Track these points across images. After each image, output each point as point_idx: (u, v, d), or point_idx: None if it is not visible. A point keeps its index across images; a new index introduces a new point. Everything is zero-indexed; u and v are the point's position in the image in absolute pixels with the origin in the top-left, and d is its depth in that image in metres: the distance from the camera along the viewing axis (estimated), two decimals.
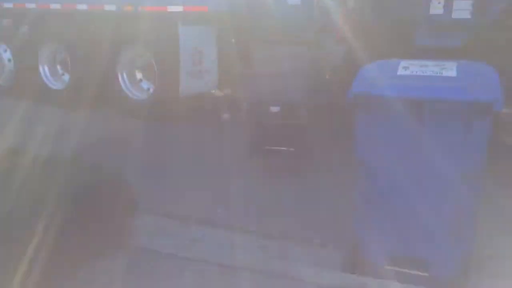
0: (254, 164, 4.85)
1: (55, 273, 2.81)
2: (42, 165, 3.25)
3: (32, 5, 7.28)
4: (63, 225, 2.83)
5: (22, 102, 7.11)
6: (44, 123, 5.94)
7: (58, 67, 7.52)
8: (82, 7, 6.82)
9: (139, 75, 6.75)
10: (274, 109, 4.63)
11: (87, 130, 5.79)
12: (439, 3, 5.13)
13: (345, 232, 3.52)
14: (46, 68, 7.50)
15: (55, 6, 7.05)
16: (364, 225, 3.00)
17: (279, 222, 3.85)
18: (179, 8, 6.15)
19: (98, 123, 6.19)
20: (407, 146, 2.73)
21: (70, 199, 2.94)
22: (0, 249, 2.56)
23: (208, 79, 6.63)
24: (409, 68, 2.92)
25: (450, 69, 2.84)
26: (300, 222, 3.85)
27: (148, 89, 6.65)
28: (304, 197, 4.30)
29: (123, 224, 3.30)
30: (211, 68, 6.62)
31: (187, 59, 6.32)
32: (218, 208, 3.91)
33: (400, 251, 2.92)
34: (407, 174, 2.77)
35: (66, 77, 7.35)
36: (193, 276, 2.98)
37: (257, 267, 3.05)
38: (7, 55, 7.81)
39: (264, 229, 3.74)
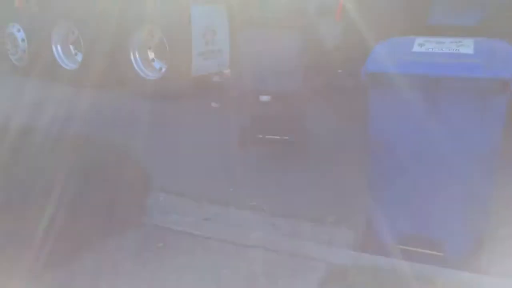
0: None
1: (68, 249, 2.84)
2: (55, 142, 3.27)
3: None
4: (76, 202, 2.85)
5: (35, 82, 7.16)
6: (56, 101, 5.96)
7: (71, 46, 7.51)
8: None
9: (151, 55, 6.71)
10: (264, 98, 4.30)
11: (99, 108, 5.81)
12: None
13: (357, 211, 3.52)
14: (59, 48, 7.50)
15: None
16: (376, 204, 2.97)
17: (290, 201, 3.84)
18: None
19: (110, 102, 6.19)
20: (422, 124, 2.68)
21: (82, 176, 2.95)
22: (13, 225, 2.58)
23: (220, 59, 6.59)
24: (424, 45, 2.85)
25: (467, 46, 2.77)
26: (312, 202, 3.84)
27: (160, 68, 6.62)
28: (314, 176, 4.28)
29: (136, 202, 3.32)
30: (223, 47, 6.56)
31: (199, 38, 6.26)
32: (230, 188, 3.91)
33: (413, 230, 2.90)
34: (422, 152, 2.73)
35: (79, 56, 7.35)
36: (206, 253, 2.99)
37: (269, 246, 3.05)
38: (20, 35, 7.81)
39: (276, 208, 3.74)
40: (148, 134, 4.79)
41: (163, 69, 6.56)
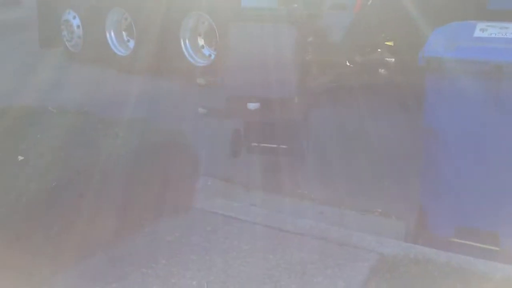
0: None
1: (119, 231, 2.90)
2: (109, 126, 3.33)
3: None
4: (128, 184, 2.90)
5: (90, 67, 7.35)
6: (110, 87, 6.11)
7: (124, 33, 7.65)
8: None
9: (201, 42, 6.74)
10: (252, 106, 3.74)
11: (151, 94, 5.89)
12: None
13: (408, 202, 3.42)
14: (113, 34, 7.66)
15: None
16: (431, 195, 2.87)
17: (338, 190, 3.78)
18: None
19: (161, 88, 6.27)
20: (481, 112, 2.56)
21: (135, 159, 3.00)
22: (70, 204, 2.66)
23: None
24: (487, 30, 2.71)
25: None
26: (360, 191, 3.76)
27: (210, 55, 6.64)
28: (363, 164, 4.19)
29: (186, 186, 3.34)
30: None
31: None
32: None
33: (468, 223, 2.78)
34: (479, 142, 2.61)
35: (131, 43, 7.48)
36: (252, 238, 2.98)
37: (317, 233, 3.01)
38: (76, 21, 8.02)
39: (324, 197, 3.69)
40: (197, 119, 4.82)
41: (213, 56, 6.58)
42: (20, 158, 2.84)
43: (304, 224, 3.13)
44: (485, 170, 2.66)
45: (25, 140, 3.05)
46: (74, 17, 8.02)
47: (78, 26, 7.98)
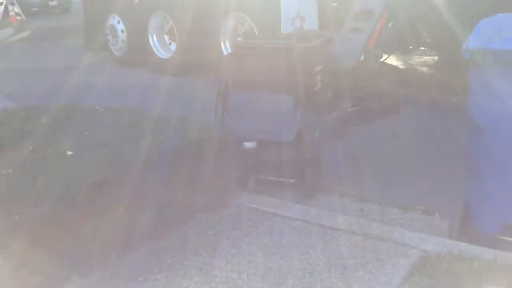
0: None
1: (163, 225, 2.96)
2: (154, 122, 3.41)
3: None
4: (171, 179, 2.95)
5: (134, 69, 7.53)
6: (155, 87, 6.24)
7: (166, 36, 7.80)
8: None
9: None
10: (248, 145, 3.48)
11: (193, 94, 5.99)
12: None
13: (450, 201, 3.34)
14: (155, 38, 7.82)
15: None
16: (476, 191, 2.79)
17: (379, 188, 3.73)
18: None
19: (202, 88, 6.37)
20: None
21: (178, 155, 3.06)
22: (116, 198, 2.73)
23: None
24: None
25: None
26: (403, 189, 3.70)
27: None
28: (405, 162, 4.12)
29: (227, 182, 3.38)
30: None
31: (288, 25, 6.19)
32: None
33: None
34: None
35: (173, 46, 7.62)
36: (293, 234, 2.98)
37: (357, 230, 2.98)
38: (120, 26, 8.24)
39: (365, 194, 3.65)
40: None
41: None
42: (69, 153, 2.94)
43: (344, 220, 3.11)
44: None
45: (74, 136, 3.16)
46: (119, 22, 8.26)
47: (122, 31, 8.23)
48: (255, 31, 6.43)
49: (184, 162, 3.02)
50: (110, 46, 8.48)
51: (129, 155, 2.90)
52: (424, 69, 7.23)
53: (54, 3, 16.29)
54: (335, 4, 6.40)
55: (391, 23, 5.64)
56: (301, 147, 3.41)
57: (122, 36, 8.25)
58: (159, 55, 7.79)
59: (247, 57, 3.38)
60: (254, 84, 3.38)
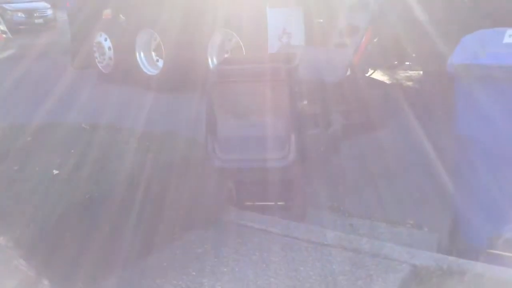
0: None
1: (150, 243, 2.92)
2: (140, 140, 3.38)
3: None
4: (158, 196, 2.92)
5: (120, 86, 7.48)
6: (140, 104, 6.20)
7: (153, 53, 7.78)
8: None
9: None
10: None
11: (180, 110, 5.96)
12: None
13: (438, 214, 3.34)
14: (142, 55, 7.81)
15: None
16: (464, 205, 2.80)
17: (368, 203, 3.73)
18: None
19: (190, 105, 6.35)
20: None
21: (167, 172, 3.03)
22: (102, 217, 2.69)
23: None
24: None
25: None
26: (391, 203, 3.70)
27: None
28: (393, 176, 4.13)
29: (215, 199, 3.35)
30: None
31: (275, 41, 6.19)
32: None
33: (504, 234, 2.69)
34: None
35: (160, 62, 7.60)
36: (283, 250, 2.95)
37: (347, 245, 2.96)
38: (107, 43, 8.23)
39: (353, 209, 3.64)
40: None
41: None
42: (55, 172, 2.90)
43: (334, 235, 3.09)
44: None
45: (59, 155, 3.12)
46: (106, 39, 8.24)
47: (109, 48, 8.20)
48: (243, 47, 6.46)
49: (171, 180, 3.00)
50: (97, 63, 8.45)
51: (115, 173, 2.86)
52: (410, 83, 7.31)
53: (40, 20, 16.23)
54: (321, 20, 6.46)
55: (376, 38, 5.71)
56: (294, 170, 3.31)
57: (109, 53, 8.23)
58: (146, 72, 7.75)
59: (231, 83, 3.23)
60: (242, 111, 3.26)
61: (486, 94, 2.51)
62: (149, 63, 7.80)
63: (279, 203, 3.39)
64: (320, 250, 2.93)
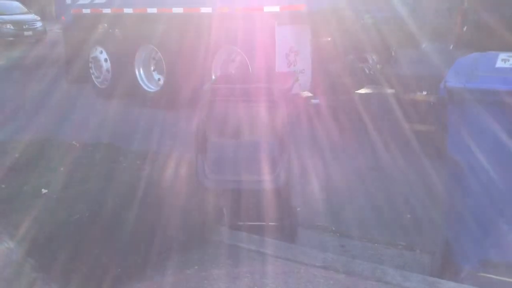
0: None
1: (139, 264, 2.80)
2: (133, 159, 3.28)
3: (129, 10, 7.39)
4: (148, 216, 2.81)
5: (119, 103, 7.21)
6: (139, 122, 6.02)
7: (153, 70, 7.50)
8: (178, 10, 6.78)
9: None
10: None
11: (179, 129, 5.80)
12: None
13: (432, 236, 3.27)
14: (142, 71, 7.55)
15: (151, 10, 7.10)
16: (456, 227, 2.72)
17: (358, 222, 3.65)
18: (276, 8, 5.91)
19: (189, 123, 6.21)
20: (506, 142, 2.44)
21: (155, 190, 2.93)
22: (92, 237, 2.58)
23: (302, 80, 6.21)
24: (509, 60, 2.61)
25: None
26: (383, 225, 3.62)
27: None
28: (384, 197, 4.06)
29: (206, 219, 3.24)
30: (305, 68, 6.24)
31: (283, 59, 6.00)
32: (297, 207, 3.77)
33: (497, 257, 2.62)
34: (506, 172, 2.47)
35: (161, 79, 7.33)
36: (276, 272, 2.83)
37: (340, 268, 2.86)
38: (104, 58, 7.96)
39: (344, 230, 3.56)
40: None
41: None
42: (44, 191, 2.78)
43: (326, 257, 2.98)
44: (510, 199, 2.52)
45: (48, 173, 3.01)
46: (103, 54, 8.01)
47: (106, 63, 7.98)
48: (249, 65, 6.23)
49: (162, 200, 2.89)
50: (93, 78, 8.23)
51: (105, 193, 2.75)
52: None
53: (29, 33, 15.96)
54: (329, 38, 6.34)
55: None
56: (286, 191, 3.20)
57: (106, 68, 8.03)
58: (146, 88, 7.51)
59: (224, 103, 3.12)
60: (234, 130, 3.14)
61: (479, 117, 2.46)
62: (149, 79, 7.54)
63: (270, 223, 3.26)
64: (312, 273, 2.82)
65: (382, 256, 3.21)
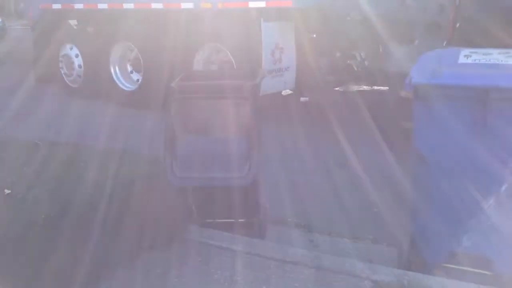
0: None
1: (109, 264, 2.75)
2: (100, 158, 3.21)
3: (104, 6, 7.10)
4: (117, 215, 2.76)
5: (91, 102, 6.92)
6: (111, 121, 5.83)
7: (130, 68, 7.28)
8: (157, 5, 6.54)
9: None
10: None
11: (154, 128, 5.68)
12: None
13: (399, 229, 3.31)
14: (118, 70, 7.30)
15: (128, 5, 6.82)
16: (421, 220, 2.77)
17: (328, 218, 3.67)
18: (262, 4, 5.78)
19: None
20: (470, 137, 2.48)
21: (123, 190, 2.87)
22: (58, 238, 2.51)
23: (287, 78, 6.18)
24: (471, 56, 2.66)
25: None
26: (351, 219, 3.65)
27: None
28: (352, 192, 4.10)
29: (175, 217, 3.20)
30: (290, 66, 6.17)
31: (269, 56, 5.90)
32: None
33: (461, 248, 2.67)
34: (470, 167, 2.52)
35: (138, 77, 7.11)
36: (245, 268, 2.82)
37: (309, 262, 2.86)
38: (76, 56, 7.68)
39: (313, 225, 3.58)
40: None
41: None
42: (7, 191, 2.69)
43: (296, 252, 2.99)
44: (474, 193, 2.57)
45: (11, 173, 2.91)
46: (75, 51, 7.68)
47: (78, 61, 7.63)
48: (233, 62, 6.09)
49: (130, 199, 2.84)
50: (64, 77, 7.92)
51: (71, 193, 2.68)
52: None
53: None
54: (314, 35, 6.25)
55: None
56: (256, 187, 3.18)
57: (78, 66, 7.71)
58: (122, 87, 7.26)
59: (192, 100, 3.05)
60: (203, 128, 3.10)
61: (444, 113, 2.50)
62: (125, 77, 7.27)
63: (240, 220, 3.24)
64: (282, 268, 2.82)
65: (351, 250, 3.23)
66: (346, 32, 5.75)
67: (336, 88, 6.81)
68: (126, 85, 7.30)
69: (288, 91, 6.62)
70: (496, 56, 2.63)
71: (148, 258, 2.93)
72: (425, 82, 2.54)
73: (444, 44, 5.08)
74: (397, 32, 5.49)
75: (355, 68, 6.14)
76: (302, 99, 6.43)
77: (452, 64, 2.61)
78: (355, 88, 6.71)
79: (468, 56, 2.65)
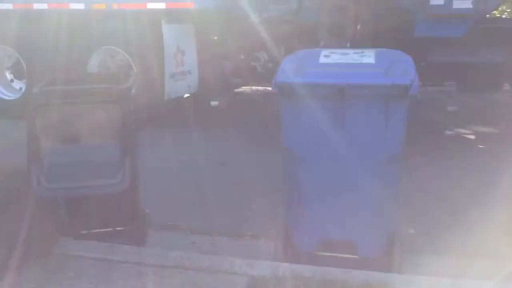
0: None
1: None
2: None
3: None
4: None
5: None
6: None
7: (10, 75, 6.66)
8: (41, 6, 5.95)
9: None
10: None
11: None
12: None
13: (276, 223, 3.42)
14: None
15: (5, 6, 6.15)
16: (293, 212, 2.89)
17: (208, 219, 3.68)
18: (162, 5, 5.58)
19: None
20: (331, 131, 2.63)
21: None
22: None
23: (190, 81, 6.06)
24: (330, 56, 2.84)
25: (368, 56, 2.78)
26: (231, 217, 3.70)
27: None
28: (233, 190, 4.16)
29: (44, 231, 2.98)
30: (192, 68, 6.06)
31: (170, 59, 5.74)
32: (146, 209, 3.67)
33: (330, 236, 2.83)
34: (332, 158, 2.68)
35: (21, 85, 6.52)
36: (123, 278, 2.71)
37: (189, 265, 2.84)
38: None
39: (195, 226, 3.56)
40: None
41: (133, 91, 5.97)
42: None
43: (176, 256, 2.94)
44: (336, 183, 2.73)
45: None
46: None
47: None
48: (133, 67, 5.80)
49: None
50: None
51: None
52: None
53: None
54: (215, 37, 6.18)
55: None
56: (130, 194, 3.07)
57: None
58: (2, 96, 6.60)
59: (57, 105, 2.85)
60: (70, 135, 2.91)
61: (305, 110, 2.61)
62: (5, 86, 6.62)
63: (117, 228, 3.12)
64: (161, 274, 2.76)
65: (232, 248, 3.27)
66: (249, 34, 5.82)
67: (237, 90, 6.86)
68: (6, 94, 6.66)
69: (200, 96, 6.53)
70: (352, 55, 2.83)
71: (15, 277, 2.69)
72: (289, 81, 2.65)
73: (348, 45, 5.36)
74: (300, 34, 5.69)
75: (259, 70, 6.23)
76: (212, 103, 6.42)
77: (314, 64, 2.76)
78: (260, 88, 6.81)
79: (328, 56, 2.82)
